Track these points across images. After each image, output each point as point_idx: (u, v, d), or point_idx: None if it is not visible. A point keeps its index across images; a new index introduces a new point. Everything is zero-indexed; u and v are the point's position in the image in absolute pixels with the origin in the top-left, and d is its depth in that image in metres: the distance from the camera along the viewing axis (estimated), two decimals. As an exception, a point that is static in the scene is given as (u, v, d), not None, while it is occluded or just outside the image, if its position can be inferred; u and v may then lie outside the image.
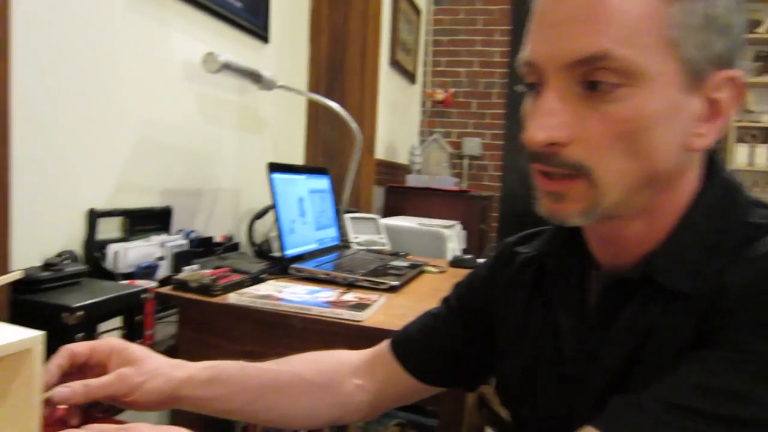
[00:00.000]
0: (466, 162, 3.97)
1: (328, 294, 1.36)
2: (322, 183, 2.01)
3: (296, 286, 1.45)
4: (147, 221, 1.70)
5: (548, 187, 0.61)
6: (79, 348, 0.77)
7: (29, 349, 0.64)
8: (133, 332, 1.22)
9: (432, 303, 1.48)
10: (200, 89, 1.95)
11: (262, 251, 2.19)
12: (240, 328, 1.31)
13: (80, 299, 1.08)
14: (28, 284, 1.10)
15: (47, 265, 1.18)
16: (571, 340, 0.69)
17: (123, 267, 1.48)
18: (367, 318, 1.22)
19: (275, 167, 1.67)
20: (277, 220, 1.64)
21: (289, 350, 1.33)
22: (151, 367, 0.77)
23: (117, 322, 1.17)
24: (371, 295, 1.39)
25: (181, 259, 1.69)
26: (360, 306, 1.26)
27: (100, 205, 1.52)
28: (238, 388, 0.81)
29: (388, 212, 3.05)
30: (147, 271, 1.51)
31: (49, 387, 0.70)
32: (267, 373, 0.84)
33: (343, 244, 2.12)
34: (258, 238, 2.23)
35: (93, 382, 0.73)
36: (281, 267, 1.62)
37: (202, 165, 2.02)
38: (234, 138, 2.20)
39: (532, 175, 0.63)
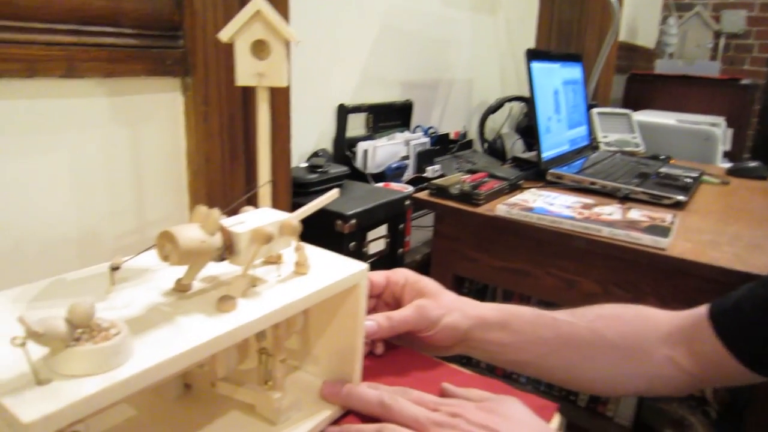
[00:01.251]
0: (722, 42, 3.29)
1: (610, 210, 1.16)
2: (575, 72, 1.74)
3: (563, 196, 1.26)
4: (389, 117, 1.61)
5: None
6: (377, 278, 0.70)
7: (356, 283, 0.55)
8: (395, 241, 1.14)
9: (738, 225, 1.19)
10: (439, -35, 1.74)
11: (493, 149, 2.02)
12: (506, 243, 1.17)
13: (351, 206, 1.01)
14: (298, 186, 1.05)
15: (312, 167, 1.12)
16: None
17: (372, 167, 1.41)
18: (670, 245, 1.00)
19: (534, 54, 1.43)
20: (532, 117, 1.43)
21: (564, 272, 1.17)
22: (446, 301, 0.68)
23: (383, 230, 1.10)
24: (660, 213, 1.16)
25: (423, 159, 1.58)
26: (657, 229, 1.04)
27: (348, 101, 1.44)
28: (533, 338, 0.69)
29: (628, 105, 2.66)
30: (397, 172, 1.42)
31: None
32: (563, 326, 0.70)
33: (592, 144, 1.86)
34: (488, 134, 2.06)
35: (395, 315, 0.66)
36: (536, 172, 1.43)
37: (437, 54, 1.85)
38: (468, 21, 1.98)
39: None
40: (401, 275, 0.70)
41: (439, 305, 0.67)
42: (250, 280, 0.48)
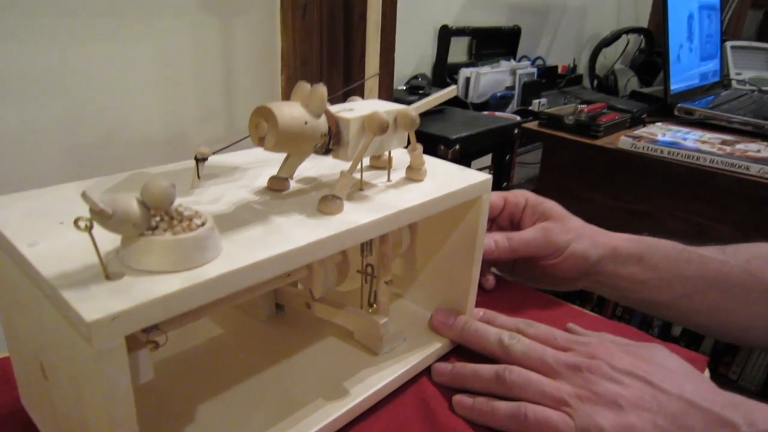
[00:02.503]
0: None
1: (756, 147, 0.99)
2: (712, -5, 1.51)
3: (695, 132, 1.10)
4: (494, 43, 1.47)
5: None
6: (493, 198, 0.60)
7: (478, 196, 0.46)
8: (500, 173, 1.03)
9: None
10: None
11: (603, 86, 1.83)
12: (626, 180, 1.04)
13: (456, 131, 0.90)
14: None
15: (413, 88, 1.02)
16: None
17: (474, 95, 1.29)
18: (838, 187, 0.84)
19: (669, -31, 1.24)
20: (663, 42, 1.25)
21: (694, 215, 1.03)
22: (574, 226, 0.58)
23: (487, 160, 0.99)
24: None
25: (529, 91, 1.44)
26: (821, 168, 0.88)
27: (451, 22, 1.32)
28: (674, 275, 0.57)
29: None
30: (501, 102, 1.30)
31: None
32: (711, 264, 0.58)
33: (722, 81, 1.64)
34: (599, 70, 1.87)
35: (516, 235, 0.57)
36: (661, 107, 1.27)
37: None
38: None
39: None
40: (521, 196, 0.61)
41: (567, 229, 0.57)
42: (356, 182, 0.40)
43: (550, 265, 0.58)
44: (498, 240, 0.56)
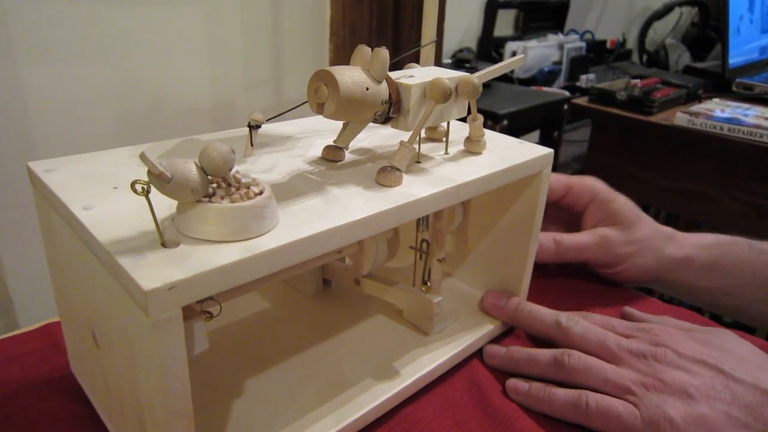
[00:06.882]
0: None
1: (825, 126, 0.93)
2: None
3: (757, 108, 1.04)
4: (541, 16, 1.42)
5: None
6: (555, 183, 0.56)
7: (539, 171, 0.43)
8: (547, 150, 1.00)
9: None
10: None
11: (653, 62, 1.76)
12: (680, 159, 0.99)
13: (504, 105, 0.87)
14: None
15: (460, 61, 0.99)
16: None
17: (521, 70, 1.25)
18: None
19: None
20: (723, 12, 1.19)
21: (753, 196, 0.98)
22: (640, 235, 0.53)
23: (535, 136, 0.96)
24: None
25: (576, 66, 1.39)
26: None
27: (497, -6, 1.27)
28: (749, 281, 0.53)
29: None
30: (548, 77, 1.25)
31: None
32: None
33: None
34: (649, 45, 1.80)
35: (567, 239, 0.53)
36: (718, 82, 1.21)
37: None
38: None
39: None
40: (588, 188, 0.55)
41: (630, 240, 0.53)
42: (413, 154, 0.38)
43: (606, 273, 0.55)
44: (543, 242, 0.52)
